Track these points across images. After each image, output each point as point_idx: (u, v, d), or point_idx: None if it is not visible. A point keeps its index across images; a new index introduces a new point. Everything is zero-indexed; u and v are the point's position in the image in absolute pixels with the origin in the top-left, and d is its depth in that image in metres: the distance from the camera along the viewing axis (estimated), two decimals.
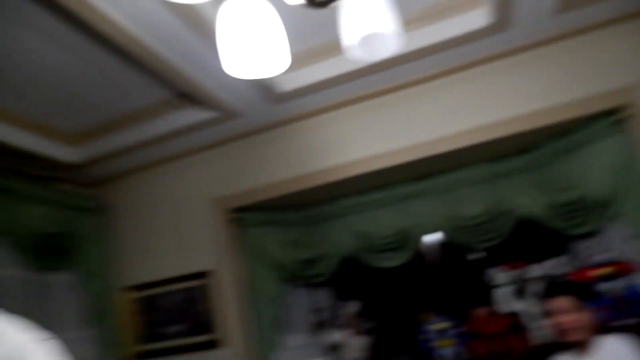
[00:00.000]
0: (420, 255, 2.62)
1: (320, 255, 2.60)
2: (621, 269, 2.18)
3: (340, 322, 2.57)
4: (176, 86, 2.04)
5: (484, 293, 2.49)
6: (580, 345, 1.67)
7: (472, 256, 2.64)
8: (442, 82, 2.28)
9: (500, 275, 2.39)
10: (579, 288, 1.82)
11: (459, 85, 2.25)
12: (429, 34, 1.96)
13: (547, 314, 1.74)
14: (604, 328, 1.77)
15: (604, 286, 2.19)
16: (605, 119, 2.11)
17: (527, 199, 2.33)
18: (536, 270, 2.39)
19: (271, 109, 2.31)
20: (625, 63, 2.04)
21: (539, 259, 2.45)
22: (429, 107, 2.29)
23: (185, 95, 2.15)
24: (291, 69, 1.99)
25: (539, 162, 2.36)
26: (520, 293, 2.44)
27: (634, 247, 2.11)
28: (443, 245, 2.78)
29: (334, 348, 2.61)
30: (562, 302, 1.69)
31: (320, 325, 2.63)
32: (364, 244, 2.56)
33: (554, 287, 1.84)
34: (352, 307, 2.60)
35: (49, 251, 2.31)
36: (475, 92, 2.22)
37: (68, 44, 1.72)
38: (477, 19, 1.91)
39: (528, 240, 2.48)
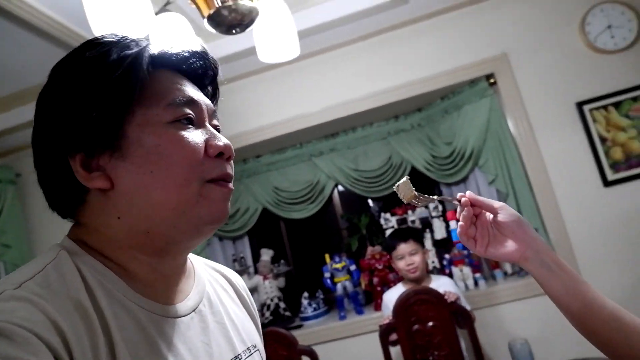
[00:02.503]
0: (327, 204, 2.91)
1: (240, 211, 2.88)
2: None
3: (258, 268, 2.84)
4: None
5: (379, 234, 2.77)
6: (416, 281, 2.06)
7: (371, 203, 2.95)
8: (346, 51, 2.53)
9: (391, 219, 2.66)
10: (418, 233, 2.22)
11: (361, 53, 2.52)
12: (333, 8, 2.21)
13: (397, 256, 2.09)
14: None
15: None
16: (478, 84, 2.44)
17: (414, 153, 2.65)
18: (415, 214, 2.70)
19: None
20: (495, 35, 2.37)
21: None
22: (336, 74, 2.55)
23: None
24: (213, 38, 2.15)
25: (426, 121, 2.69)
26: None
27: (489, 192, 2.55)
28: (345, 194, 3.04)
29: (253, 291, 2.87)
30: (409, 246, 2.06)
31: (241, 272, 2.88)
32: (281, 198, 2.85)
33: (400, 233, 2.18)
34: (267, 254, 2.84)
35: None
36: (376, 60, 2.50)
37: None
38: None
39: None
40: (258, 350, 0.70)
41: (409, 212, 2.67)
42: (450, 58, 2.42)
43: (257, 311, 0.78)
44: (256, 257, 2.92)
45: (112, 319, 0.50)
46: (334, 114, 2.53)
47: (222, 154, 0.58)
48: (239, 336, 0.66)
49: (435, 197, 0.79)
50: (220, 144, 0.58)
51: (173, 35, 1.21)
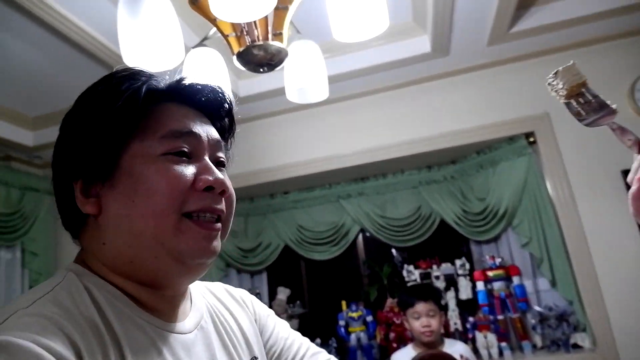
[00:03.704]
0: (350, 249, 2.81)
1: (262, 245, 2.85)
2: (510, 272, 2.41)
3: (272, 306, 2.71)
4: None
5: (400, 286, 2.60)
6: (429, 345, 1.90)
7: (395, 252, 2.79)
8: (383, 97, 2.53)
9: (414, 272, 2.56)
10: (438, 295, 2.05)
11: (398, 101, 2.51)
12: (374, 55, 2.25)
13: (412, 314, 1.94)
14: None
15: (496, 285, 2.39)
16: (517, 142, 2.36)
17: (444, 206, 2.55)
18: (440, 269, 2.56)
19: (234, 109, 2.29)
20: (538, 93, 2.23)
21: (443, 259, 2.59)
22: (371, 118, 2.53)
23: None
24: (249, 76, 2.29)
25: (459, 174, 2.61)
26: None
27: (521, 255, 2.44)
28: (369, 241, 2.92)
29: None
30: (428, 306, 1.92)
31: None
32: (304, 237, 2.79)
33: (420, 291, 2.03)
34: (283, 293, 2.76)
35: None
36: (412, 109, 2.48)
37: (33, 41, 1.77)
38: (419, 45, 2.21)
39: (437, 241, 2.68)
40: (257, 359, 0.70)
41: (434, 267, 2.55)
42: (488, 112, 2.36)
43: (263, 315, 0.77)
44: (272, 295, 2.85)
45: (122, 332, 0.51)
46: (366, 158, 2.50)
47: (213, 189, 0.58)
48: (240, 349, 0.67)
49: (614, 106, 0.55)
50: (210, 177, 0.57)
51: (205, 69, 1.24)
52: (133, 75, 0.59)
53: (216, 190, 0.58)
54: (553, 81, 0.56)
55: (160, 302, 0.58)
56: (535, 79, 2.33)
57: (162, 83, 0.60)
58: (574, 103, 0.54)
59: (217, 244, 0.59)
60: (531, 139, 2.35)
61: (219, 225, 0.59)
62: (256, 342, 0.72)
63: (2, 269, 2.32)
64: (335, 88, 2.37)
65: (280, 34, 1.09)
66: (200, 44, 1.28)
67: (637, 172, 0.54)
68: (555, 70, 0.55)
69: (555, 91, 0.56)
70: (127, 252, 0.55)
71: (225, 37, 1.09)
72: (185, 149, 0.58)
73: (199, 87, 0.62)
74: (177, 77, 0.62)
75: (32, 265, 2.51)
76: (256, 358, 0.70)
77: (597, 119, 0.53)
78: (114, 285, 0.56)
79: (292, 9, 1.09)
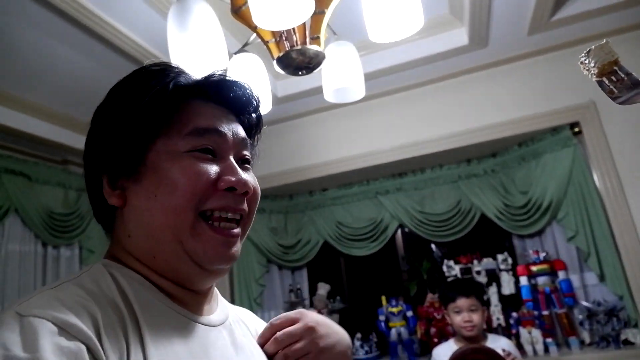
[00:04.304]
0: (388, 245, 2.80)
1: (302, 242, 2.90)
2: (555, 266, 2.34)
3: (313, 302, 2.77)
4: None
5: (440, 282, 2.57)
6: (471, 340, 1.88)
7: (434, 248, 2.77)
8: (420, 92, 2.51)
9: (454, 267, 2.53)
10: (480, 289, 2.03)
11: (435, 95, 2.48)
12: (411, 49, 2.24)
13: (454, 309, 1.94)
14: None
15: (540, 280, 2.33)
16: (561, 133, 2.29)
17: (485, 200, 2.50)
18: (481, 264, 2.51)
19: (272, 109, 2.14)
20: (583, 82, 2.15)
21: (485, 254, 2.54)
22: (409, 114, 2.52)
23: None
24: (286, 76, 2.29)
25: (500, 168, 2.55)
26: None
27: (567, 249, 2.35)
28: (408, 236, 2.93)
29: None
30: (469, 301, 1.91)
31: (296, 304, 2.82)
32: (343, 233, 2.82)
33: (462, 286, 2.02)
34: (323, 288, 2.78)
35: (57, 229, 2.39)
36: (450, 103, 2.45)
37: (83, 49, 1.86)
38: (456, 37, 2.18)
39: (478, 236, 2.63)
40: None
41: (475, 262, 2.52)
42: (530, 103, 2.31)
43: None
44: (313, 290, 2.91)
45: (141, 314, 0.51)
46: (403, 153, 2.51)
47: (235, 190, 0.58)
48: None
49: None
50: (233, 178, 0.57)
51: (247, 73, 1.30)
52: (163, 71, 0.59)
53: (238, 191, 0.58)
54: (585, 60, 0.56)
55: (186, 295, 0.58)
56: (580, 67, 2.25)
57: (190, 79, 0.59)
58: (606, 81, 0.54)
59: (237, 248, 0.59)
60: (576, 129, 2.27)
61: (237, 231, 0.59)
62: None
63: (63, 265, 2.48)
64: (373, 84, 2.40)
65: (318, 37, 1.12)
66: (242, 49, 1.33)
67: None
68: (587, 49, 0.55)
69: (587, 70, 0.56)
70: (149, 246, 0.56)
71: (266, 43, 1.13)
72: (210, 147, 0.58)
73: (227, 84, 0.62)
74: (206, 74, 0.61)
75: (89, 262, 2.67)
76: None
77: (631, 97, 0.52)
78: (140, 275, 0.56)
79: (328, 13, 1.12)
